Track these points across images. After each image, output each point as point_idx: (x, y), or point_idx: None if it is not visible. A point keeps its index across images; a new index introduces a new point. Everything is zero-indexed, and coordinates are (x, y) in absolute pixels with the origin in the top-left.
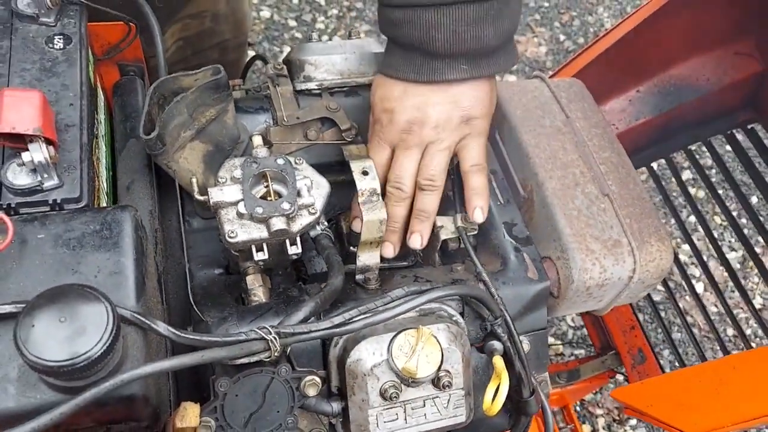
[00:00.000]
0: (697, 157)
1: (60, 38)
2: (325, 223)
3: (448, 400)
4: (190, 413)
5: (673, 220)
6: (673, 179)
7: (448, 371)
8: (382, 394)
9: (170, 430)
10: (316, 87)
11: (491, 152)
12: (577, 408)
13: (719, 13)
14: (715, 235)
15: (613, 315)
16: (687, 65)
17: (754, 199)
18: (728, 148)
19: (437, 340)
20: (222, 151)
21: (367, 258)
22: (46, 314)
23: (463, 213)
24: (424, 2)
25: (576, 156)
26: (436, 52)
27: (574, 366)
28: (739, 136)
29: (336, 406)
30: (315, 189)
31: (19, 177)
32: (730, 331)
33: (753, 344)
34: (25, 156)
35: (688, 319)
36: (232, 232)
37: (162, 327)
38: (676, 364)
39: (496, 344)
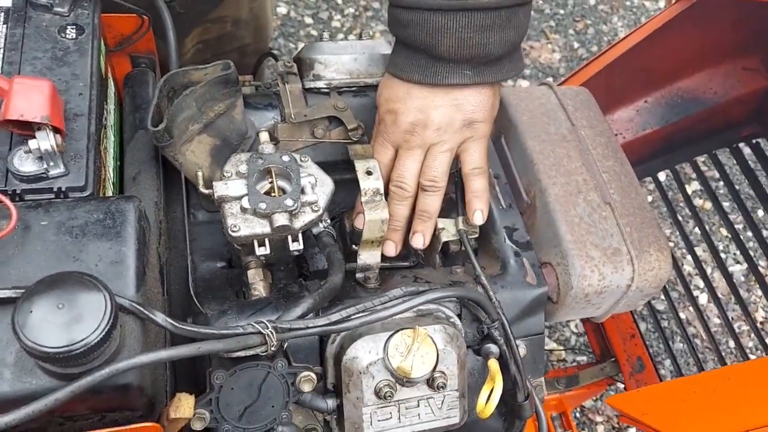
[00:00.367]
0: (705, 168)
1: (73, 28)
2: (328, 221)
3: (443, 401)
4: (184, 404)
5: (678, 231)
6: (679, 190)
7: (443, 372)
8: (377, 393)
9: (165, 421)
10: (324, 86)
11: (494, 156)
12: (577, 414)
13: (727, 28)
14: (721, 247)
15: (614, 323)
16: (694, 78)
17: (760, 213)
18: (735, 161)
19: (433, 341)
20: (229, 145)
21: (368, 257)
22: (45, 300)
23: (464, 216)
24: (433, 6)
25: (580, 164)
26: (441, 56)
27: (573, 372)
28: (745, 150)
29: (331, 403)
30: (319, 187)
31: (25, 164)
32: (733, 343)
33: (753, 356)
34: (32, 143)
35: (691, 329)
36: (235, 226)
37: (160, 317)
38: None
39: (493, 347)
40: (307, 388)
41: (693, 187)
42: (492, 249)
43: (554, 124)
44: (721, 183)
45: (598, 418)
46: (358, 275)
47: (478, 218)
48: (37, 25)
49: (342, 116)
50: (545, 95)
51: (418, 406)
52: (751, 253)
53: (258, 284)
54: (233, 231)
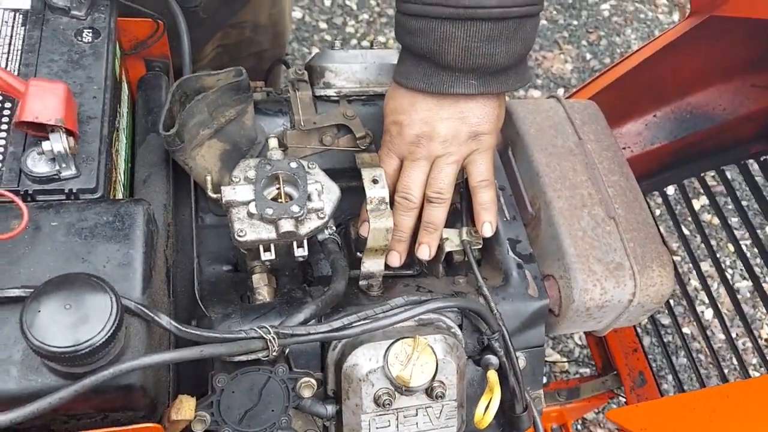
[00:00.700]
0: (714, 183)
1: (89, 32)
2: (334, 228)
3: (441, 410)
4: (185, 406)
5: (683, 246)
6: (686, 205)
7: (442, 382)
8: (376, 400)
9: (166, 422)
10: (334, 94)
11: (500, 168)
12: (578, 426)
13: (738, 46)
14: (728, 262)
15: (616, 336)
16: (704, 94)
17: (767, 229)
18: (743, 177)
19: (433, 351)
20: (238, 150)
21: (372, 265)
22: (53, 301)
23: (469, 227)
24: (440, 14)
25: (585, 177)
26: (447, 65)
27: (574, 384)
28: (753, 167)
29: (330, 409)
30: (325, 194)
31: (38, 165)
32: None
33: (756, 373)
34: (46, 145)
35: (696, 345)
36: (242, 231)
37: (165, 320)
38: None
39: (492, 358)
40: (307, 393)
41: (701, 201)
42: (495, 260)
43: (561, 138)
44: (729, 198)
45: (599, 431)
46: (362, 283)
47: (488, 230)
48: (54, 28)
49: (351, 124)
50: (553, 108)
51: (417, 414)
52: (757, 270)
53: (262, 289)
54: (239, 236)
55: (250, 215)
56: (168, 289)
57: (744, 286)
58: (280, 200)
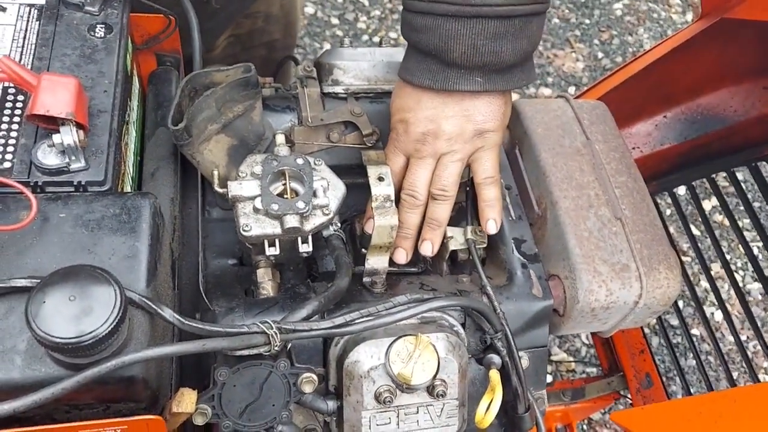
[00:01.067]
0: (725, 184)
1: (102, 27)
2: (338, 224)
3: (442, 409)
4: (186, 399)
5: (693, 247)
6: (696, 206)
7: (443, 380)
8: (377, 398)
9: (167, 414)
10: (342, 91)
11: (507, 167)
12: (584, 426)
13: (749, 48)
14: (739, 264)
15: (623, 337)
16: (715, 95)
17: None
18: (753, 180)
19: (435, 349)
20: (246, 146)
21: (376, 262)
22: (58, 292)
23: (473, 225)
24: (446, 12)
25: (592, 178)
26: (452, 62)
27: (579, 385)
28: (764, 168)
29: (331, 405)
30: (331, 190)
31: (48, 157)
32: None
33: (767, 377)
34: (56, 138)
35: (705, 346)
36: (247, 225)
37: (168, 313)
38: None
39: (495, 358)
40: (308, 389)
41: (712, 202)
42: (499, 259)
43: (569, 137)
44: (740, 200)
45: (605, 431)
46: (365, 279)
47: (492, 227)
48: (68, 23)
49: (358, 122)
50: (561, 108)
51: (418, 412)
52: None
53: (266, 284)
54: (245, 230)
55: (256, 210)
56: (173, 281)
57: (755, 288)
58: (285, 196)
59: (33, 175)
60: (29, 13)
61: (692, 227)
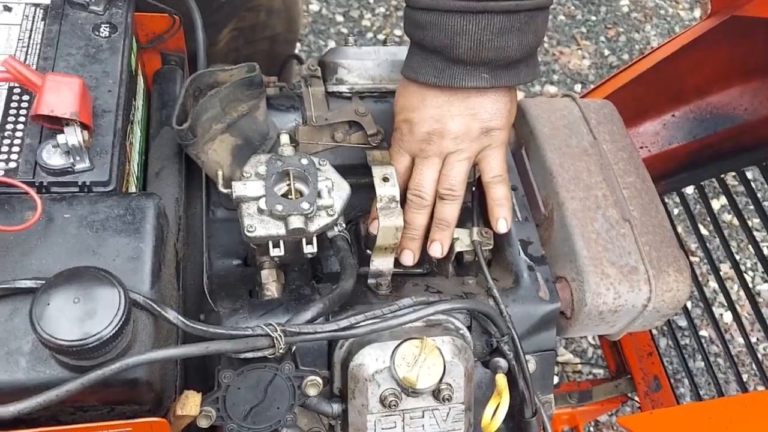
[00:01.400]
0: (735, 183)
1: (106, 27)
2: (343, 225)
3: (448, 413)
4: (191, 402)
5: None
6: (704, 206)
7: (449, 384)
8: (382, 401)
9: (171, 417)
10: (347, 90)
11: (513, 168)
12: (591, 428)
13: (758, 46)
14: (749, 264)
15: (631, 340)
16: (724, 94)
17: None
18: (763, 179)
19: (440, 353)
20: (250, 145)
21: (381, 263)
22: (62, 294)
23: (480, 227)
24: (452, 8)
25: (600, 178)
26: (458, 58)
27: (586, 387)
28: None
29: (336, 408)
30: (335, 191)
31: (53, 157)
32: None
33: None
34: (60, 138)
35: (714, 348)
36: (251, 226)
37: (172, 315)
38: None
39: (501, 362)
40: (312, 392)
41: (721, 201)
42: (506, 261)
43: (576, 137)
44: (750, 200)
45: None
46: (370, 281)
47: (502, 226)
48: (72, 23)
49: (362, 121)
50: (568, 107)
51: (423, 416)
52: None
53: (270, 285)
54: (249, 231)
55: (260, 211)
56: (177, 282)
57: (765, 289)
58: (290, 196)
59: (38, 175)
60: (34, 13)
61: (701, 227)
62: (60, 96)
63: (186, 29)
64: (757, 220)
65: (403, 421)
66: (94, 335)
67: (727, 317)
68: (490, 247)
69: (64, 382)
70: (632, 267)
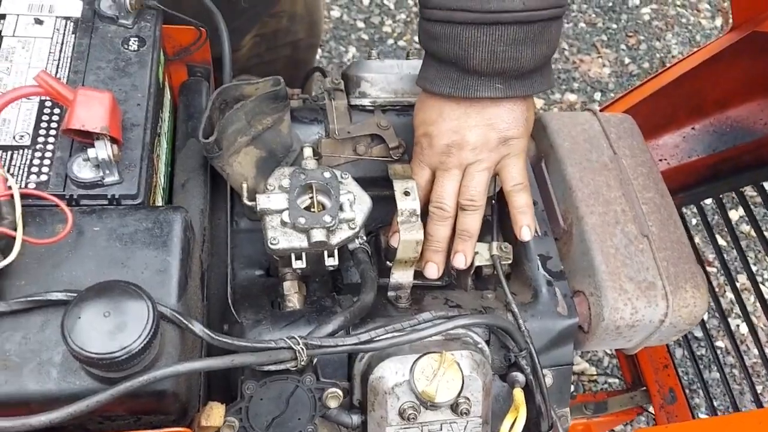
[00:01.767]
0: (753, 194)
1: (135, 40)
2: (364, 237)
3: (465, 426)
4: (215, 413)
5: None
6: (722, 217)
7: (467, 398)
8: (401, 414)
9: (196, 427)
10: (369, 103)
11: (532, 182)
12: None
13: None
14: (766, 275)
15: (647, 352)
16: (745, 108)
17: None
18: None
19: (459, 367)
20: (274, 157)
21: (401, 276)
22: (93, 308)
23: (499, 241)
24: (465, 19)
25: (619, 193)
26: (472, 69)
27: (602, 398)
28: None
29: (356, 419)
30: (357, 204)
31: (83, 170)
32: None
33: None
34: (91, 152)
35: (730, 359)
36: (274, 239)
37: (198, 328)
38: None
39: (519, 376)
40: (333, 404)
41: (739, 212)
42: (525, 276)
43: (596, 152)
44: None
45: None
46: (390, 294)
47: (526, 234)
48: (102, 36)
49: (384, 134)
50: (588, 121)
51: (441, 429)
52: None
53: (292, 296)
54: (272, 244)
55: (284, 224)
56: (202, 292)
57: None
58: (312, 209)
59: (68, 188)
60: (65, 26)
61: (718, 237)
62: (90, 110)
63: (211, 36)
64: None
65: None
66: (124, 349)
67: (743, 328)
68: (510, 261)
69: (93, 393)
70: (650, 282)
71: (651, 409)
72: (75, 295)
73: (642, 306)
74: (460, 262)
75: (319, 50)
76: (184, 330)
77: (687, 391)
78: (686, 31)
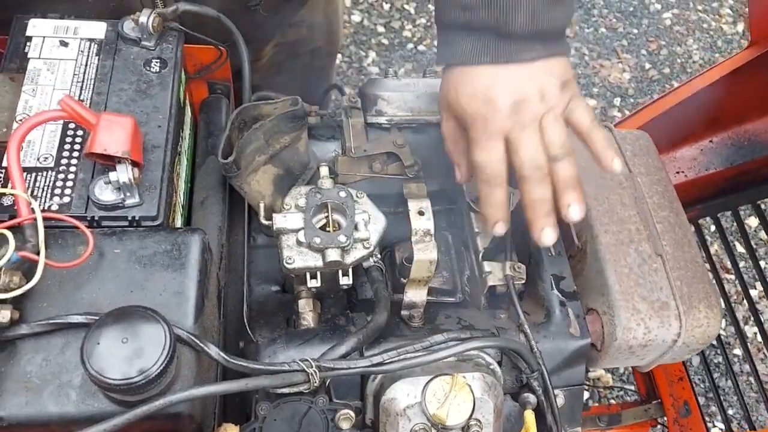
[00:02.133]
0: None
1: (157, 62)
2: (378, 256)
3: None
4: None
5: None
6: (738, 229)
7: (478, 420)
8: None
9: None
10: (386, 122)
11: None
12: None
13: None
14: None
15: (662, 364)
16: (763, 122)
17: None
18: None
19: (471, 390)
20: (291, 175)
21: (414, 295)
22: (111, 333)
23: (512, 261)
24: None
25: (634, 212)
26: (513, 33)
27: (616, 410)
28: None
29: None
30: (372, 224)
31: (104, 193)
32: None
33: None
34: (113, 175)
35: (746, 367)
36: (290, 258)
37: (213, 351)
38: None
39: (530, 397)
40: (345, 425)
41: (756, 221)
42: (538, 296)
43: None
44: None
45: None
46: (404, 312)
47: (618, 165)
48: (125, 58)
49: (400, 153)
50: None
51: None
52: None
53: (307, 314)
54: (288, 263)
55: (299, 243)
56: (219, 311)
57: None
58: (328, 228)
59: (90, 209)
60: (89, 48)
61: (736, 244)
62: (113, 135)
63: (230, 52)
64: None
65: None
66: (141, 374)
67: (759, 338)
68: (523, 281)
69: (111, 416)
70: (663, 302)
71: (665, 422)
72: (95, 317)
73: (655, 326)
74: (575, 213)
75: (339, 55)
76: (200, 352)
77: (703, 399)
78: (708, 36)
